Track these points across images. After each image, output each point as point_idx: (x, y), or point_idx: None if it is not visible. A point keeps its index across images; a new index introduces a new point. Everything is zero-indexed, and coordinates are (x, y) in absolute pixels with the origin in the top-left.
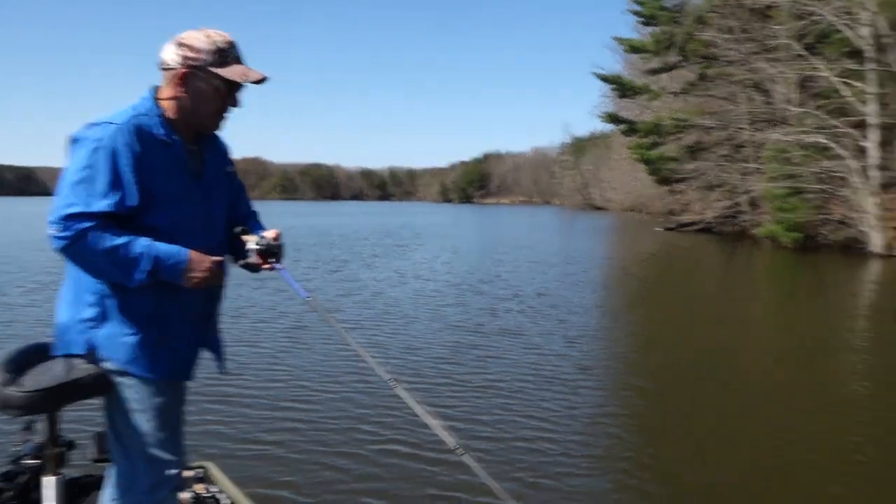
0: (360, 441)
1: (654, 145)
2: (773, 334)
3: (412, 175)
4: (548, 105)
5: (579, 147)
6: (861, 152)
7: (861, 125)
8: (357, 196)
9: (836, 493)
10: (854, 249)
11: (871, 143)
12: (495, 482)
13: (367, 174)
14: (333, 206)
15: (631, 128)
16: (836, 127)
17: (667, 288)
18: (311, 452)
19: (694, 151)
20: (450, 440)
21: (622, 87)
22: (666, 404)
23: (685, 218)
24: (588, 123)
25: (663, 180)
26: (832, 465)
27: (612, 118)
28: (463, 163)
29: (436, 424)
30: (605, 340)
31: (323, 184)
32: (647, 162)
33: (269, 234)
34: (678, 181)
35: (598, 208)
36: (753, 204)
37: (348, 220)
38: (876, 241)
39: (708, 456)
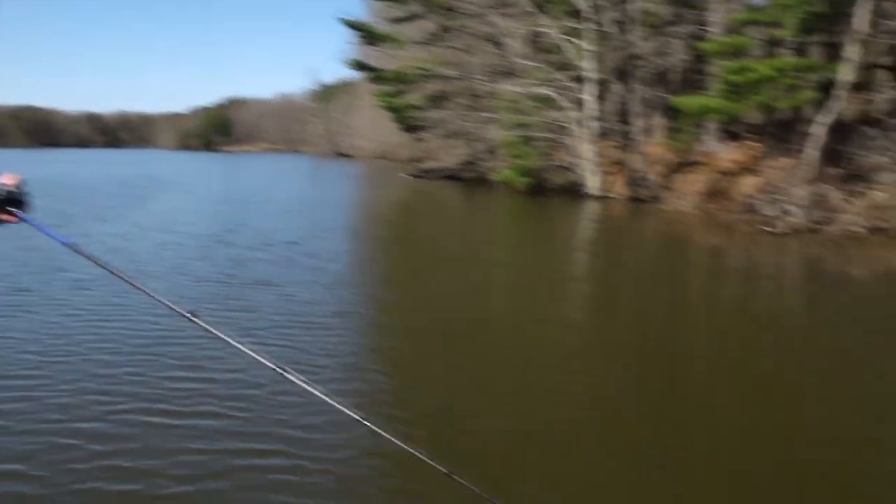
0: (102, 405)
1: (400, 94)
2: (509, 270)
3: (146, 120)
4: (293, 50)
5: (327, 94)
6: (580, 104)
7: (580, 80)
8: (82, 143)
9: (575, 391)
10: (575, 192)
11: (589, 96)
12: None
13: (93, 119)
14: (53, 153)
15: (377, 76)
16: (559, 80)
17: (414, 232)
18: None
19: (437, 100)
20: (269, 363)
21: (368, 35)
22: (419, 340)
23: (429, 165)
24: (335, 70)
25: (409, 128)
26: (565, 368)
27: (359, 65)
28: (204, 108)
29: (251, 351)
30: (359, 285)
31: (37, 129)
32: (392, 110)
33: (8, 179)
34: (422, 129)
35: (347, 156)
36: (491, 151)
37: (73, 168)
38: (592, 185)
39: (449, 381)
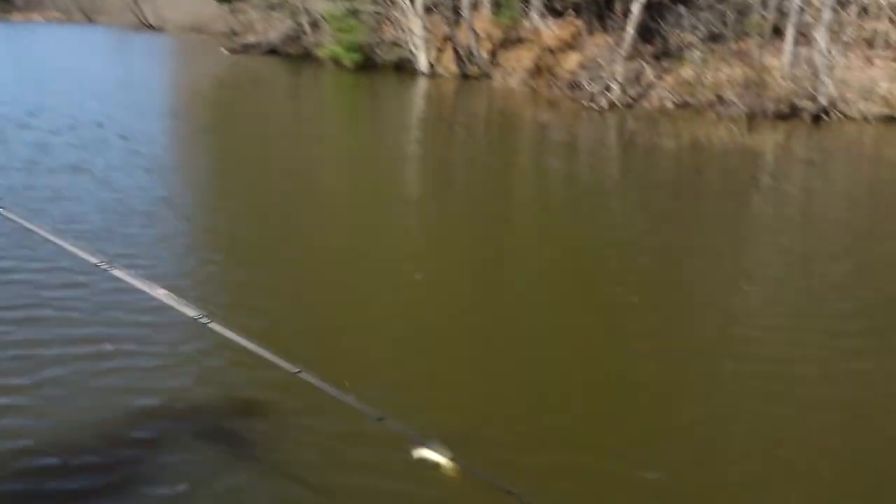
0: None
1: None
2: (341, 148)
3: None
4: None
5: None
6: None
7: None
8: None
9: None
10: (406, 68)
11: None
12: None
13: None
14: None
15: None
16: None
17: (238, 111)
18: None
19: None
20: (91, 257)
21: None
22: (252, 224)
23: (249, 40)
24: None
25: None
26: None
27: None
28: None
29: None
30: (183, 169)
31: None
32: None
33: None
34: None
35: (153, 28)
36: (316, 25)
37: None
38: (422, 61)
39: (288, 267)
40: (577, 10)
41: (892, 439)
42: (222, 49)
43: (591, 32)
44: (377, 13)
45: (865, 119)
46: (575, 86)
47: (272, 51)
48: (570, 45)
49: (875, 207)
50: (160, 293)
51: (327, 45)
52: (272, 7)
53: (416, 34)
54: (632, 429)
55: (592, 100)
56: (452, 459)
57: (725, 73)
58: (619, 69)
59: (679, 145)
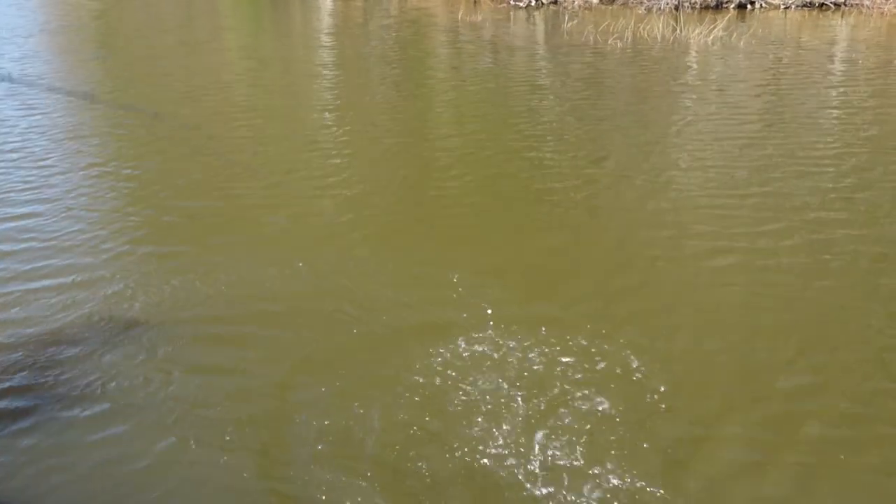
0: None
1: None
2: (252, 55)
3: None
4: None
5: None
6: None
7: None
8: None
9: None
10: None
11: None
12: None
13: None
14: None
15: None
16: None
17: (128, 26)
18: None
19: None
20: None
21: None
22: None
23: None
24: None
25: None
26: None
27: None
28: None
29: None
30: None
31: None
32: None
33: None
34: None
35: None
36: None
37: None
38: None
39: (203, 177)
40: None
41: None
42: None
43: None
44: None
45: (786, 7)
46: None
47: None
48: None
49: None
50: None
51: None
52: None
53: None
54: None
55: None
56: None
57: None
58: None
59: (622, 42)
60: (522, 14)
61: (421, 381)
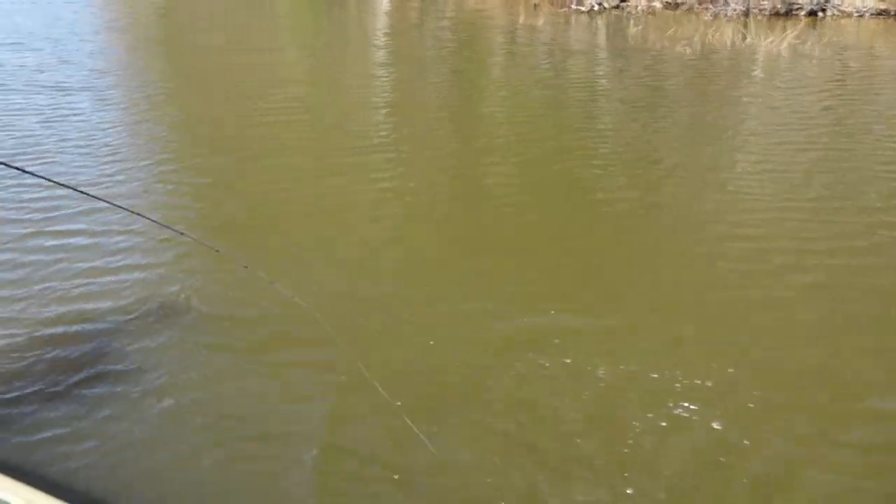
0: None
1: None
2: (310, 59)
3: None
4: None
5: None
6: None
7: None
8: None
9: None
10: None
11: None
12: None
13: None
14: None
15: None
16: None
17: (187, 23)
18: None
19: None
20: None
21: None
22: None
23: None
24: None
25: None
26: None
27: None
28: None
29: None
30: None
31: None
32: None
33: None
34: None
35: None
36: None
37: None
38: None
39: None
40: None
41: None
42: None
43: None
44: None
45: (860, 15)
46: None
47: None
48: None
49: None
50: None
51: None
52: None
53: None
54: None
55: (579, 2)
56: None
57: None
58: None
59: (689, 48)
60: (584, 19)
61: (497, 393)
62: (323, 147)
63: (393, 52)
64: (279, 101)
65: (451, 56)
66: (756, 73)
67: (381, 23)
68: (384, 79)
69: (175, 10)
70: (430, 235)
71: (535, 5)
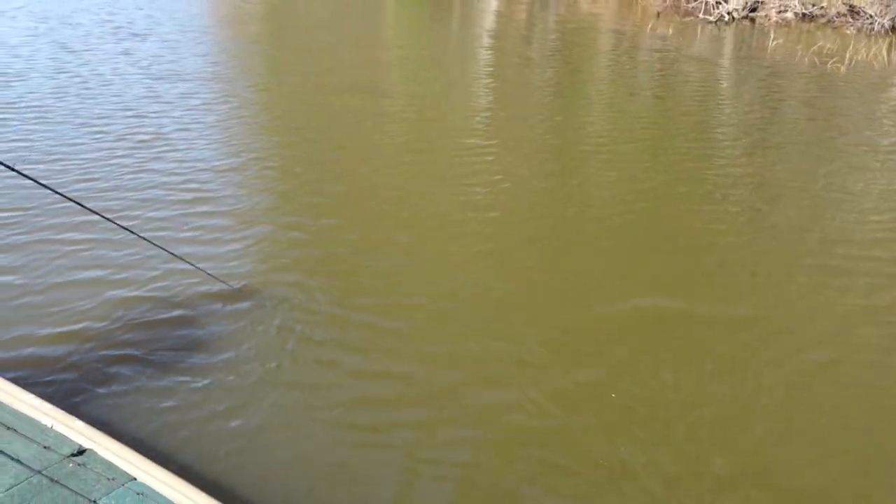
0: None
1: None
2: (413, 57)
3: None
4: None
5: None
6: None
7: None
8: None
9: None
10: None
11: None
12: None
13: None
14: None
15: None
16: None
17: (292, 22)
18: None
19: None
20: None
21: None
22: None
23: None
24: None
25: None
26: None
27: None
28: None
29: None
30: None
31: None
32: None
33: None
34: None
35: None
36: None
37: None
38: None
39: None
40: None
41: None
42: None
43: None
44: None
45: None
46: None
47: None
48: None
49: None
50: None
51: None
52: None
53: None
54: None
55: (707, 11)
56: None
57: None
58: None
59: (805, 55)
60: (711, 29)
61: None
62: (414, 154)
63: (497, 55)
64: (396, 97)
65: (558, 62)
66: None
67: (486, 24)
68: (484, 84)
69: (277, 6)
70: (527, 248)
71: (658, 14)
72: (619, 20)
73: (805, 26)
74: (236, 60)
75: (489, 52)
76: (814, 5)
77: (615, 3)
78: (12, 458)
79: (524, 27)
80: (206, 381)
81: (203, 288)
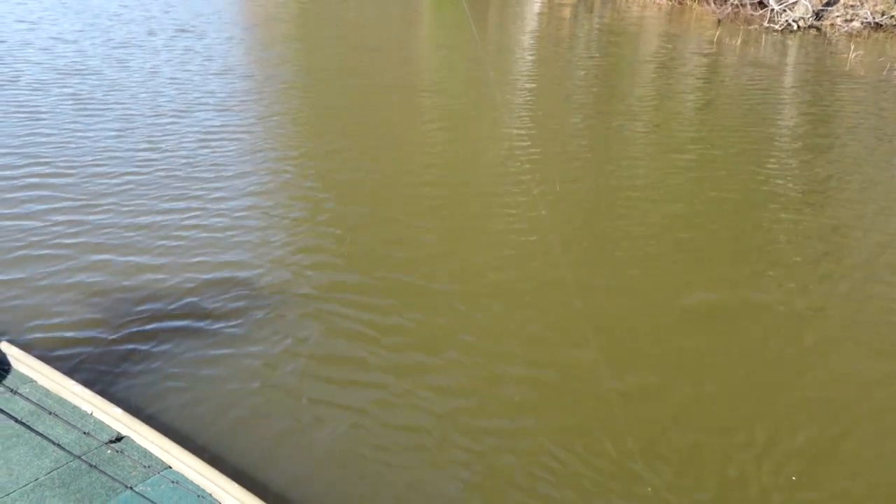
0: None
1: None
2: (449, 60)
3: None
4: None
5: None
6: None
7: None
8: None
9: None
10: None
11: None
12: None
13: None
14: None
15: None
16: None
17: (329, 19)
18: None
19: None
20: None
21: None
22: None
23: None
24: None
25: None
26: None
27: None
28: None
29: None
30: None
31: None
32: None
33: None
34: None
35: None
36: None
37: None
38: None
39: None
40: None
41: None
42: None
43: None
44: None
45: None
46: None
47: None
48: None
49: None
50: None
51: None
52: None
53: None
54: None
55: (772, 20)
56: None
57: None
58: None
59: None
60: (774, 38)
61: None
62: (452, 167)
63: (539, 60)
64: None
65: (605, 69)
66: None
67: (528, 27)
68: (527, 89)
69: (310, 7)
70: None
71: (719, 22)
72: (667, 23)
73: (874, 35)
74: (282, 60)
75: (529, 54)
76: (883, 14)
77: (667, 9)
78: (54, 443)
79: (567, 29)
80: (239, 375)
81: (242, 280)
